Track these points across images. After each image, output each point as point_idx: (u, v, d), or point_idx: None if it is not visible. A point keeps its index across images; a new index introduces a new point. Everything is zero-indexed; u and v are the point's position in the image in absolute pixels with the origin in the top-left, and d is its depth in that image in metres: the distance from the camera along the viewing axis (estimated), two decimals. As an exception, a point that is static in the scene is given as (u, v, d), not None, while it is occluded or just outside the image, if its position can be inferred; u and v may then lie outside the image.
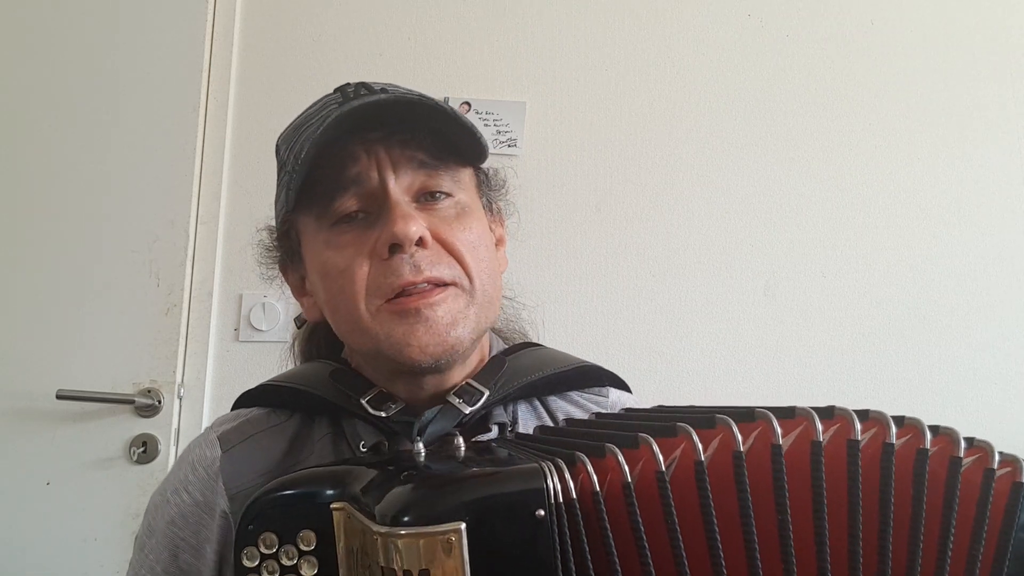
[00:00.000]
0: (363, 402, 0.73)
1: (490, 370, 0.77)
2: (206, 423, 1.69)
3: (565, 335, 1.71)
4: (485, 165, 0.81)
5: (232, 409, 0.85)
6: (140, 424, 1.65)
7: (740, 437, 0.55)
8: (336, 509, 0.58)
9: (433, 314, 0.69)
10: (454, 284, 0.71)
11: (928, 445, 0.60)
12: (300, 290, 0.83)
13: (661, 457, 0.55)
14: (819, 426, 0.57)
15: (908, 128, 1.76)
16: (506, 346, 0.85)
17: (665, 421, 0.59)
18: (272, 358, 1.71)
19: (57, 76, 1.79)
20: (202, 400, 1.69)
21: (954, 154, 1.75)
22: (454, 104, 1.78)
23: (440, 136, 0.72)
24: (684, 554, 0.54)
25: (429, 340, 0.69)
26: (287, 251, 0.81)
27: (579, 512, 0.54)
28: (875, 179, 1.75)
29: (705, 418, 0.58)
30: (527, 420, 0.80)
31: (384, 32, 1.83)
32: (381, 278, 0.70)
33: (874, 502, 0.57)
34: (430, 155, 0.72)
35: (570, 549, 0.53)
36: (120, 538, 1.63)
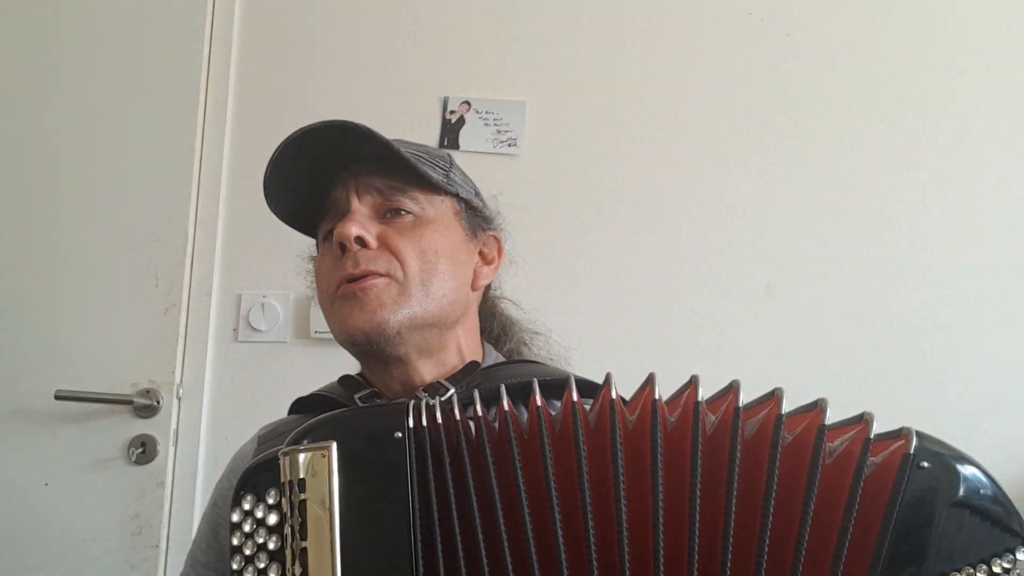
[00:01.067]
0: (356, 398, 0.89)
1: (462, 373, 0.89)
2: (205, 423, 1.69)
3: (564, 335, 1.70)
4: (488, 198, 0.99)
5: (288, 414, 0.98)
6: (139, 424, 1.65)
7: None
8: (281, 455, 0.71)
9: (365, 296, 0.84)
10: (388, 275, 0.85)
11: (783, 411, 0.67)
12: None
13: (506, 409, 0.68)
14: (658, 394, 0.68)
15: (910, 127, 1.76)
16: (502, 360, 0.96)
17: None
18: (271, 358, 1.72)
19: (57, 76, 1.79)
20: (201, 400, 1.69)
21: (956, 153, 1.74)
22: (454, 104, 1.78)
23: (399, 168, 0.88)
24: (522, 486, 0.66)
25: (359, 318, 0.84)
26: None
27: (441, 438, 0.68)
28: (877, 179, 1.74)
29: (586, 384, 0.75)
30: None
31: (384, 32, 1.82)
32: (334, 272, 0.87)
33: (733, 471, 0.65)
34: (386, 184, 0.89)
35: (429, 465, 0.67)
36: (119, 538, 1.62)
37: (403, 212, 0.89)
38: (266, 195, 0.90)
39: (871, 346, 1.68)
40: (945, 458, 0.66)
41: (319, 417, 0.72)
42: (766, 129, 1.77)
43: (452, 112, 1.77)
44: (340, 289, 0.86)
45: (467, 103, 1.78)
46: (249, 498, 0.70)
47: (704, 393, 0.68)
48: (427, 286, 0.86)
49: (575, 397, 0.68)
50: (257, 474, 0.70)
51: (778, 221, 1.74)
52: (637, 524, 0.64)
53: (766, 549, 0.63)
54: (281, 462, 0.68)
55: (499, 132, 1.77)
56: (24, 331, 1.70)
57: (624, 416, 0.67)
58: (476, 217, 0.95)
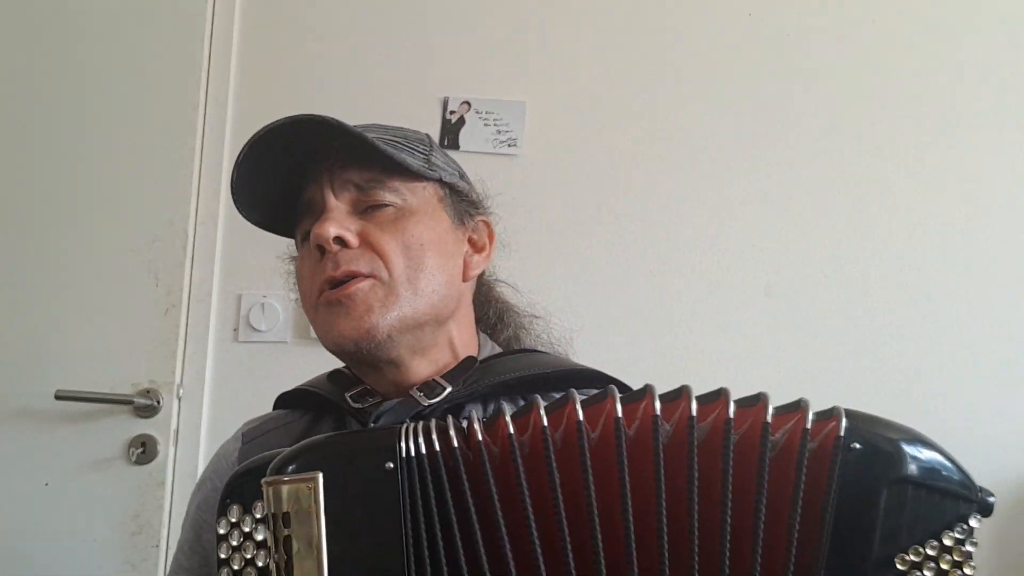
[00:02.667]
0: (347, 396, 0.84)
1: (459, 369, 0.84)
2: (205, 423, 1.69)
3: (564, 335, 1.70)
4: (475, 178, 0.95)
5: (273, 409, 0.95)
6: (139, 425, 1.65)
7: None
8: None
9: (350, 302, 0.79)
10: (372, 276, 0.80)
11: (731, 414, 0.64)
12: None
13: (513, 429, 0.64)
14: (619, 405, 0.64)
15: (910, 128, 1.75)
16: (499, 351, 0.91)
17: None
18: (271, 358, 1.72)
19: (57, 76, 1.79)
20: (201, 400, 1.69)
21: (956, 153, 1.74)
22: (454, 104, 1.78)
23: (375, 158, 0.82)
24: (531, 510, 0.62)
25: (346, 326, 0.79)
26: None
27: (441, 467, 0.63)
28: (876, 179, 1.74)
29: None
30: None
31: (384, 32, 1.82)
32: (314, 276, 0.82)
33: (688, 478, 0.62)
34: (363, 178, 0.83)
35: (420, 498, 0.62)
36: (119, 538, 1.62)
37: (383, 205, 0.83)
38: (235, 201, 0.86)
39: (871, 346, 1.68)
40: (878, 436, 0.64)
41: (304, 443, 0.67)
42: (766, 129, 1.77)
43: (452, 112, 1.78)
44: (323, 296, 0.81)
45: (467, 103, 1.78)
46: (235, 508, 0.66)
47: (673, 392, 0.66)
48: (415, 283, 0.81)
49: (565, 412, 0.64)
50: (243, 483, 0.67)
51: (778, 221, 1.74)
52: (614, 538, 0.62)
53: (727, 550, 0.61)
54: (264, 491, 0.64)
55: (499, 132, 1.77)
56: (24, 331, 1.70)
57: (591, 431, 0.64)
58: (462, 202, 0.90)
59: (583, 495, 0.62)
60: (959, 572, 0.62)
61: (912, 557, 0.62)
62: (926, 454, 0.63)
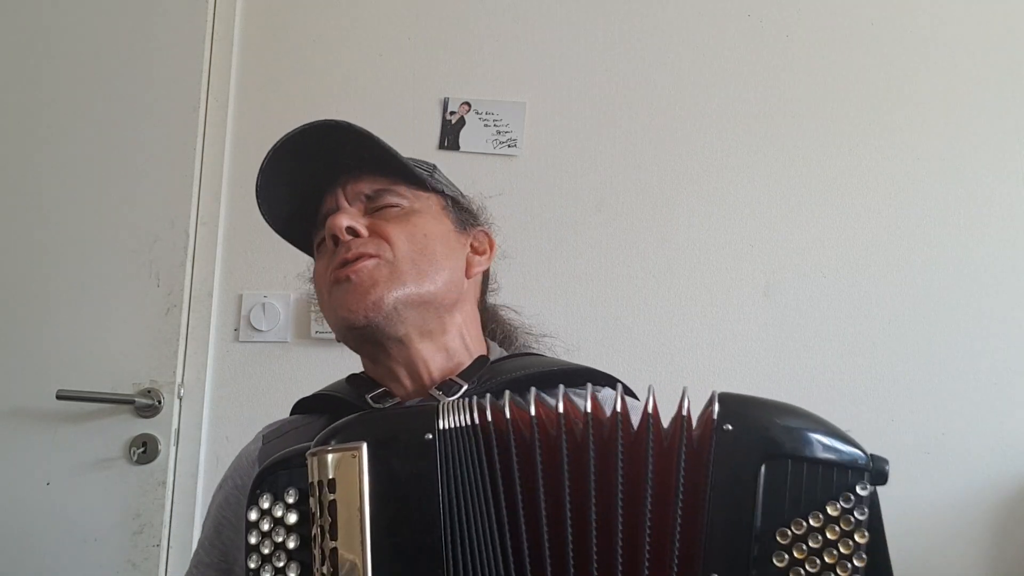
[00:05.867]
0: (368, 398, 0.87)
1: (473, 368, 0.89)
2: (206, 423, 1.69)
3: (564, 335, 1.70)
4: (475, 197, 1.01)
5: (290, 415, 0.98)
6: (140, 424, 1.65)
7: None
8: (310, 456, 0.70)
9: (357, 277, 0.85)
10: (378, 256, 0.86)
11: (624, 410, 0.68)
12: None
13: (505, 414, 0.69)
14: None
15: (909, 128, 1.76)
16: (507, 354, 0.96)
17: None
18: (272, 358, 1.72)
19: (57, 76, 1.80)
20: (202, 400, 1.69)
21: (955, 154, 1.75)
22: (454, 105, 1.78)
23: (385, 164, 0.90)
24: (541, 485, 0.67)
25: (353, 300, 0.84)
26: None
27: (473, 438, 0.68)
28: (876, 180, 1.74)
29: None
30: None
31: (384, 32, 1.83)
32: (329, 266, 0.88)
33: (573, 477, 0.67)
34: (374, 189, 0.91)
35: (456, 465, 0.67)
36: (120, 538, 1.63)
37: (391, 206, 0.91)
38: (259, 203, 0.92)
39: (871, 347, 1.68)
40: (750, 416, 0.65)
41: (348, 418, 0.72)
42: (765, 129, 1.77)
43: (452, 113, 1.78)
44: (333, 275, 0.87)
45: (467, 104, 1.78)
46: (267, 496, 0.70)
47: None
48: (418, 264, 0.87)
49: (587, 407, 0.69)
50: (274, 473, 0.70)
51: (777, 222, 1.74)
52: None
53: (620, 541, 0.65)
54: (309, 462, 0.68)
55: (499, 133, 1.77)
56: (26, 331, 1.70)
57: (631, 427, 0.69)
58: (463, 213, 0.97)
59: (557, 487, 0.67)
60: (849, 541, 0.62)
61: (794, 530, 0.63)
62: (803, 428, 0.65)
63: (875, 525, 0.64)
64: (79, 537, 1.62)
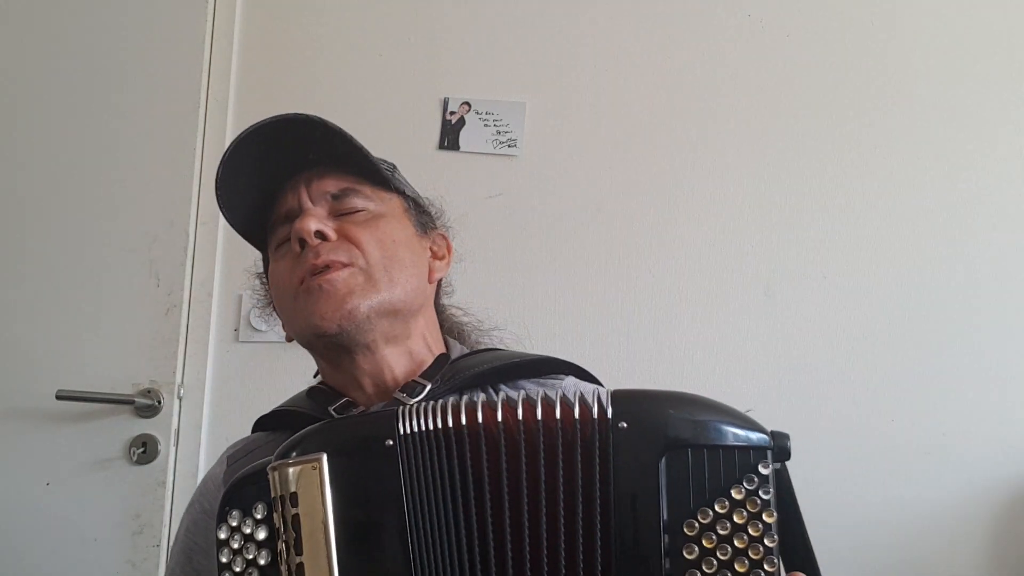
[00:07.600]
0: (331, 410, 0.86)
1: (434, 367, 0.89)
2: (206, 424, 1.69)
3: (564, 335, 1.71)
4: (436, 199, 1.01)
5: (251, 432, 0.97)
6: (140, 424, 1.65)
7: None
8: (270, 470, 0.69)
9: (331, 287, 0.83)
10: (351, 264, 0.85)
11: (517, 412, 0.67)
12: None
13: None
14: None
15: (909, 128, 1.76)
16: (467, 351, 0.97)
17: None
18: (272, 358, 1.72)
19: (57, 76, 1.80)
20: (202, 400, 1.69)
21: (955, 154, 1.74)
22: (454, 105, 1.78)
23: (350, 160, 0.89)
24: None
25: (328, 308, 0.83)
26: (267, 285, 0.98)
27: (435, 442, 0.67)
28: (876, 180, 1.74)
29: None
30: None
31: (384, 32, 1.82)
32: (295, 269, 0.86)
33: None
34: (339, 187, 0.90)
35: (419, 470, 0.66)
36: (120, 539, 1.62)
37: (357, 210, 0.90)
38: (218, 196, 0.90)
39: (871, 348, 1.68)
40: (642, 410, 0.65)
41: (306, 430, 0.71)
42: (765, 130, 1.77)
43: (452, 113, 1.78)
44: (304, 284, 0.85)
45: (467, 104, 1.78)
46: (235, 513, 0.69)
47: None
48: (390, 272, 0.87)
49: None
50: (241, 488, 0.69)
51: (777, 222, 1.74)
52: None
53: (527, 544, 0.65)
54: (270, 476, 0.67)
55: (499, 133, 1.77)
56: (25, 331, 1.70)
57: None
58: (423, 215, 0.97)
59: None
60: (758, 523, 0.62)
61: (701, 520, 0.62)
62: (697, 415, 0.65)
63: (786, 502, 0.64)
64: (79, 537, 1.62)
